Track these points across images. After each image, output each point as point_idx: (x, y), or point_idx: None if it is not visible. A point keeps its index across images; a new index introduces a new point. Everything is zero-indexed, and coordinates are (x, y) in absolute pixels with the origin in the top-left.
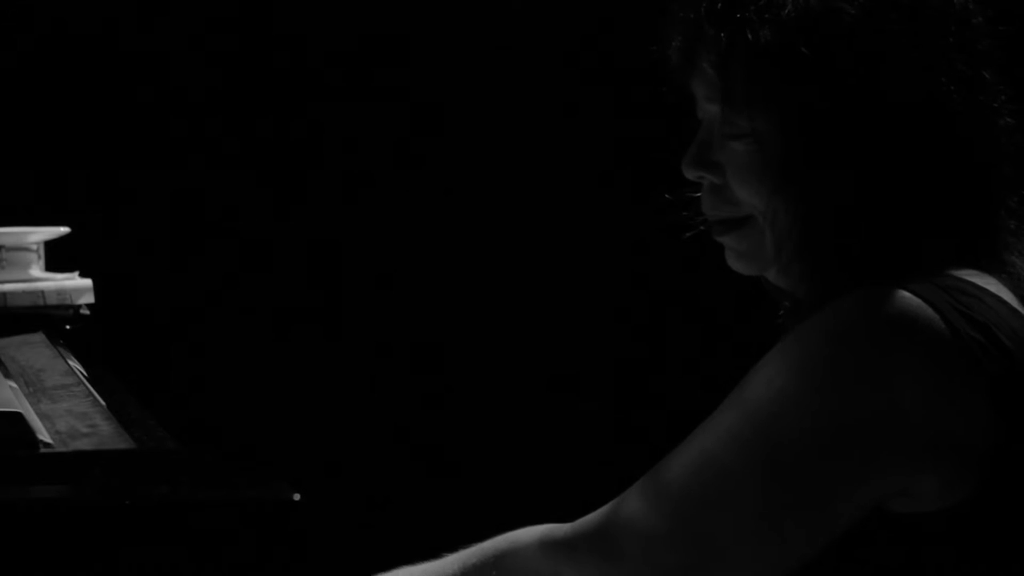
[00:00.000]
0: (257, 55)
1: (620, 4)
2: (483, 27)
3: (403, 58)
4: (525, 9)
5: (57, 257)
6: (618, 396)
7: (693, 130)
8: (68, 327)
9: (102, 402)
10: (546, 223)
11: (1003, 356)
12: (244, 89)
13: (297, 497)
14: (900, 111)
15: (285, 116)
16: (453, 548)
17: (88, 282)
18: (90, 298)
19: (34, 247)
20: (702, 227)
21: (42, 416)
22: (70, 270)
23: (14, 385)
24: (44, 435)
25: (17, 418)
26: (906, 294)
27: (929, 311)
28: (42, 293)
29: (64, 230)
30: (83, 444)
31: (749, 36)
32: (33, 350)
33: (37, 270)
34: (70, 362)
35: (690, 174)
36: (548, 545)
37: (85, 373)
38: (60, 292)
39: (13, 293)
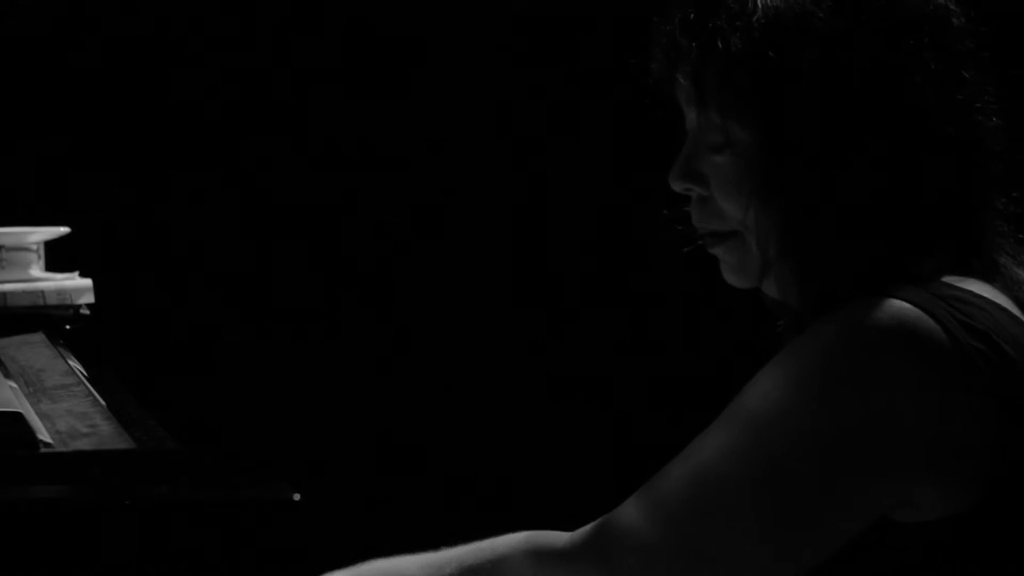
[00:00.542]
0: (257, 57)
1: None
2: (483, 27)
3: (401, 58)
4: (525, 10)
5: (57, 257)
6: (618, 396)
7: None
8: (68, 327)
9: (102, 402)
10: (547, 223)
11: (1005, 364)
12: (243, 90)
13: (297, 497)
14: (874, 115)
15: (285, 116)
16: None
17: (88, 282)
18: (90, 298)
19: (34, 247)
20: (700, 241)
21: (42, 416)
22: (70, 270)
23: (14, 385)
24: (44, 435)
25: (17, 418)
26: (903, 304)
27: (928, 321)
28: (42, 293)
29: (64, 230)
30: (83, 444)
31: (720, 45)
32: (33, 350)
33: (37, 270)
34: (70, 362)
35: (677, 186)
36: (545, 555)
37: (85, 373)
38: (60, 292)
39: (13, 293)
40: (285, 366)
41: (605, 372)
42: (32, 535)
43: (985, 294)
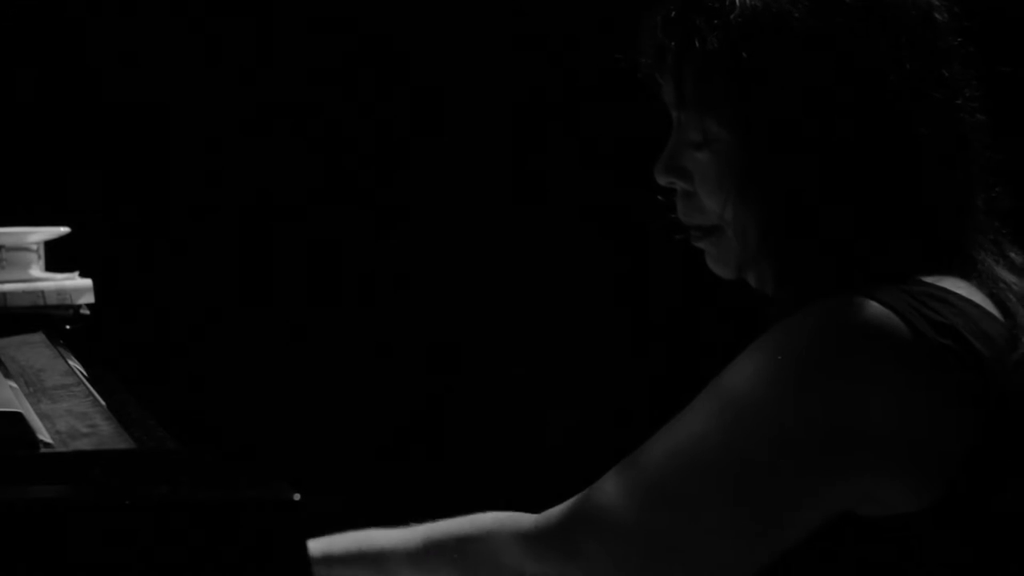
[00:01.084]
0: (257, 57)
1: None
2: (480, 27)
3: (402, 58)
4: (525, 11)
5: (57, 257)
6: (618, 397)
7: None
8: (68, 327)
9: (102, 402)
10: (548, 223)
11: (973, 360)
12: (243, 90)
13: (297, 497)
14: (849, 114)
15: (284, 117)
16: None
17: (88, 282)
18: (90, 298)
19: (34, 247)
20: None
21: (42, 416)
22: (70, 270)
23: (14, 385)
24: (44, 435)
25: (17, 418)
26: (870, 302)
27: (894, 319)
28: (42, 293)
29: (64, 230)
30: (83, 444)
31: (698, 44)
32: (33, 350)
33: (37, 270)
34: (70, 362)
35: (662, 180)
36: (514, 536)
37: (85, 373)
38: (60, 292)
39: (13, 293)
40: (285, 366)
41: (605, 373)
42: (32, 535)
43: (959, 290)
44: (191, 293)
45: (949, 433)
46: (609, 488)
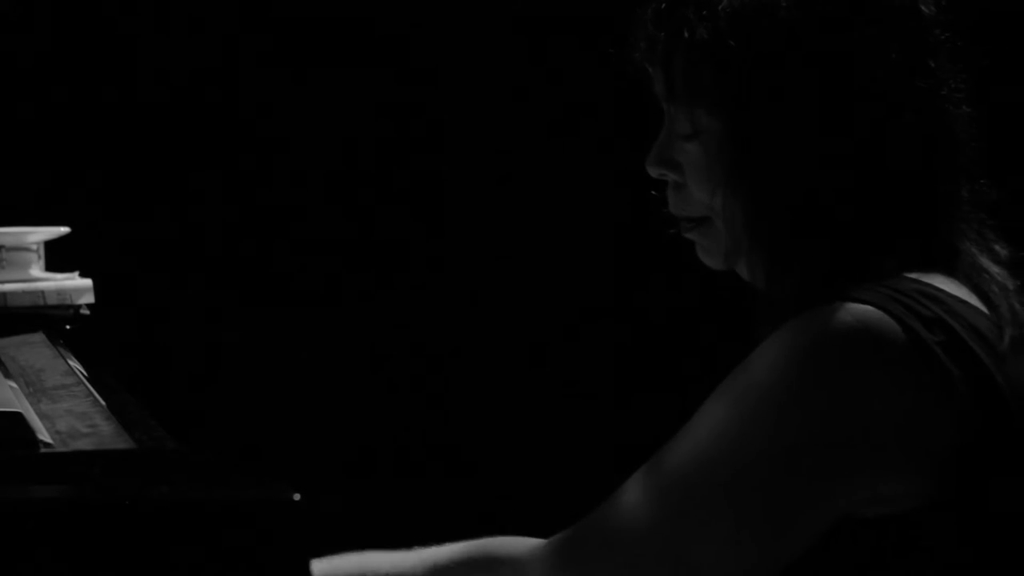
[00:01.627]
0: (256, 56)
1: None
2: (481, 27)
3: (402, 59)
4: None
5: (57, 257)
6: (619, 397)
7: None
8: (68, 327)
9: (102, 402)
10: (548, 223)
11: (966, 356)
12: (241, 89)
13: (297, 497)
14: (834, 104)
15: (284, 117)
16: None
17: (88, 282)
18: (90, 298)
19: (34, 247)
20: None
21: (42, 416)
22: (70, 270)
23: (14, 385)
24: (44, 435)
25: (17, 418)
26: (863, 307)
27: (890, 322)
28: (42, 293)
29: (64, 230)
30: (83, 444)
31: (686, 35)
32: (33, 350)
33: (37, 270)
34: (70, 362)
35: (653, 172)
36: (525, 558)
37: (85, 373)
38: (60, 292)
39: (13, 293)
40: (285, 366)
41: (607, 372)
42: (32, 535)
43: (948, 288)
44: (191, 293)
45: (944, 430)
46: (621, 503)
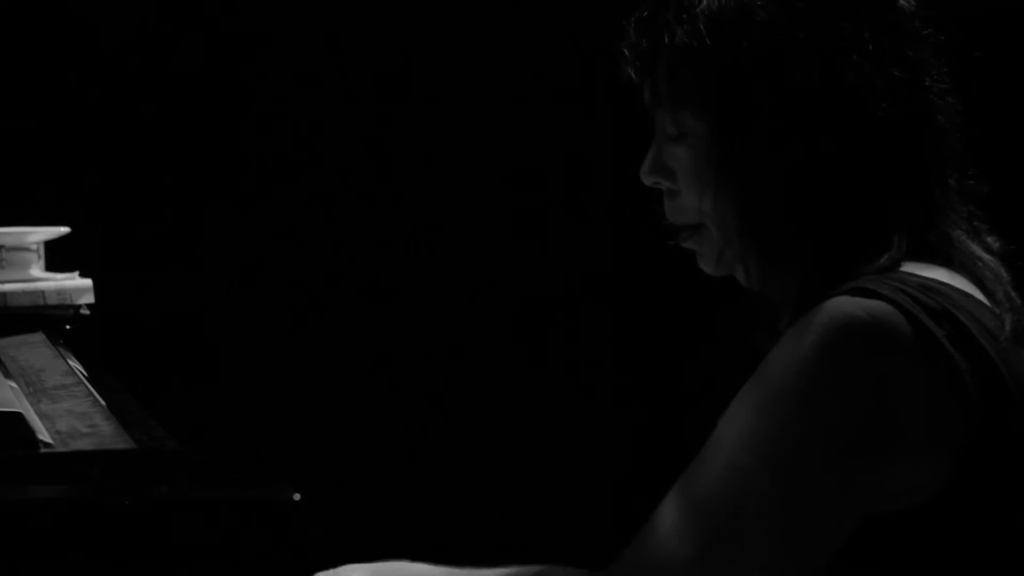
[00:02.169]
0: (257, 55)
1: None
2: (480, 28)
3: (400, 58)
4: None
5: (57, 257)
6: (619, 397)
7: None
8: (68, 327)
9: (102, 402)
10: (548, 223)
11: (972, 349)
12: (243, 89)
13: (297, 497)
14: (815, 99)
15: (284, 116)
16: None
17: (88, 282)
18: (90, 298)
19: (34, 247)
20: (674, 238)
21: (42, 416)
22: (70, 270)
23: (14, 385)
24: (44, 435)
25: (17, 418)
26: (870, 300)
27: (896, 314)
28: (42, 293)
29: (64, 230)
30: (83, 444)
31: (667, 39)
32: (33, 350)
33: (37, 270)
34: (70, 362)
35: (647, 180)
36: None
37: (85, 373)
38: (60, 292)
39: (13, 293)
40: (285, 366)
41: (607, 372)
42: (32, 535)
43: (948, 280)
44: (191, 293)
45: (956, 421)
46: (662, 531)
